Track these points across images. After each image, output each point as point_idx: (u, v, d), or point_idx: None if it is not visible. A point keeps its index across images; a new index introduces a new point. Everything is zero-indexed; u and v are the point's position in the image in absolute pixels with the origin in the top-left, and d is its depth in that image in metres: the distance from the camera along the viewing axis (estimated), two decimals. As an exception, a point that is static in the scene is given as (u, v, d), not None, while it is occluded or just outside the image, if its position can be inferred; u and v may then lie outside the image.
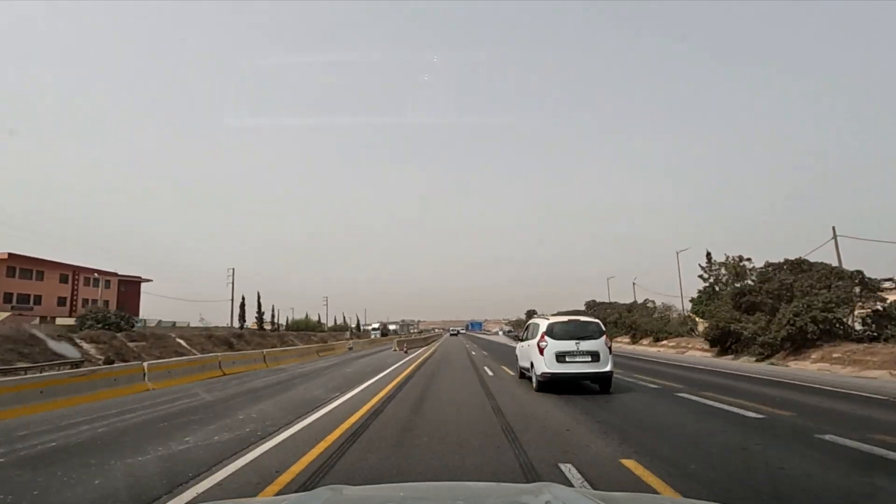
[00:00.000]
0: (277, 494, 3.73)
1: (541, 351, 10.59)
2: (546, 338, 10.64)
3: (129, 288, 44.34)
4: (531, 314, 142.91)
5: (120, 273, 41.88)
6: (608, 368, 10.38)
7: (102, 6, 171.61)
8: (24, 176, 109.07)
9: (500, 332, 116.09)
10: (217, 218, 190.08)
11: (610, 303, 49.70)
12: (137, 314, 43.97)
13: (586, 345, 10.43)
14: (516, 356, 14.06)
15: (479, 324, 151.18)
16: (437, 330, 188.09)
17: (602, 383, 10.64)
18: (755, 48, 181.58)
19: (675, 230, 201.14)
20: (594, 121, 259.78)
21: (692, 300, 36.61)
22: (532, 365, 11.10)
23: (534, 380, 10.94)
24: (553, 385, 10.51)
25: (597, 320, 11.19)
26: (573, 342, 10.46)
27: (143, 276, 44.64)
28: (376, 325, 70.40)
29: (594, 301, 52.14)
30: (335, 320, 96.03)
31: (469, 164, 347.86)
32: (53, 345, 17.65)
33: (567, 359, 10.37)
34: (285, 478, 4.25)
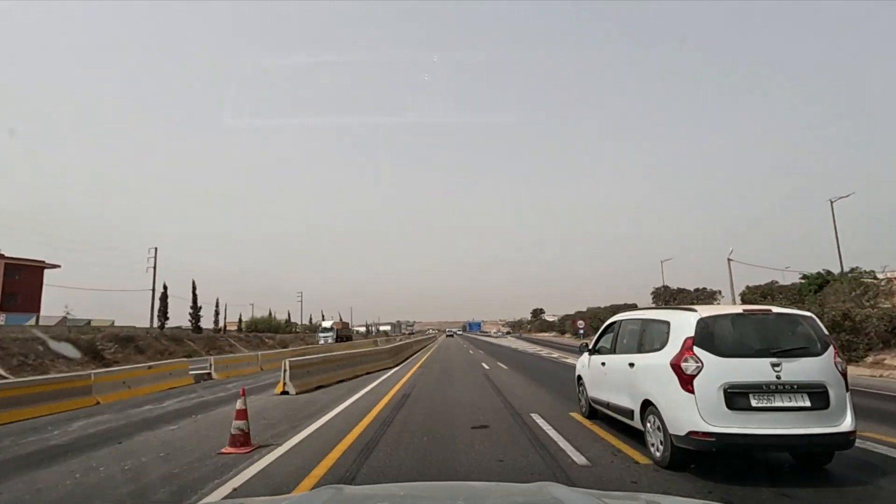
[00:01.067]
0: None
1: (685, 381, 4.60)
2: (696, 351, 4.66)
3: (25, 275, 36.07)
4: (538, 313, 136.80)
5: (7, 255, 33.69)
6: (847, 426, 4.48)
7: (104, 6, 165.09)
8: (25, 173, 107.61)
9: (507, 335, 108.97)
10: (214, 218, 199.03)
11: (699, 289, 36.29)
12: (38, 308, 35.72)
13: (796, 368, 4.51)
14: (577, 378, 8.02)
15: (478, 324, 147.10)
16: (431, 331, 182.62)
17: (822, 454, 4.79)
18: (754, 51, 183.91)
19: (674, 230, 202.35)
20: (594, 121, 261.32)
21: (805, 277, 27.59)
22: (652, 406, 5.07)
23: (657, 443, 4.97)
24: (713, 459, 4.66)
25: (810, 314, 5.22)
26: (765, 361, 4.53)
27: (47, 261, 36.36)
28: (328, 325, 48.52)
29: (665, 287, 37.54)
30: (310, 319, 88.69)
31: (468, 165, 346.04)
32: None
33: (755, 401, 4.41)
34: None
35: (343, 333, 51.18)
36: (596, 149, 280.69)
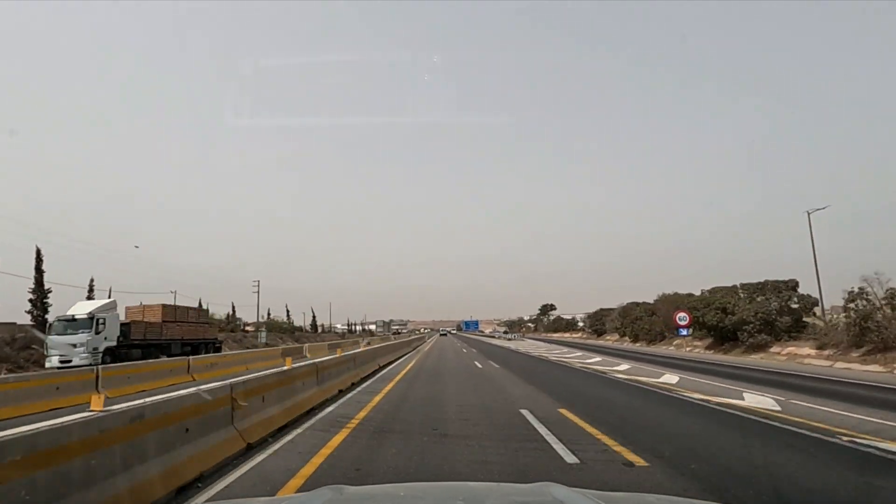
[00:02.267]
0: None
1: None
2: None
3: None
4: (548, 309, 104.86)
5: None
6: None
7: (106, 6, 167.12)
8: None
9: (506, 334, 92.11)
10: (213, 218, 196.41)
11: None
12: None
13: None
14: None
15: (476, 323, 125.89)
16: (423, 330, 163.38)
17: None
18: (754, 53, 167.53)
19: (671, 229, 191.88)
20: (595, 120, 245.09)
21: None
22: None
23: None
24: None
25: None
26: None
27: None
28: (82, 313, 17.19)
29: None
30: (269, 313, 69.48)
31: (466, 164, 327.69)
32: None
33: None
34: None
35: (159, 337, 20.87)
36: (597, 147, 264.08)
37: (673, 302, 38.88)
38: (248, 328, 60.72)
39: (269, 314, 69.26)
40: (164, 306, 21.64)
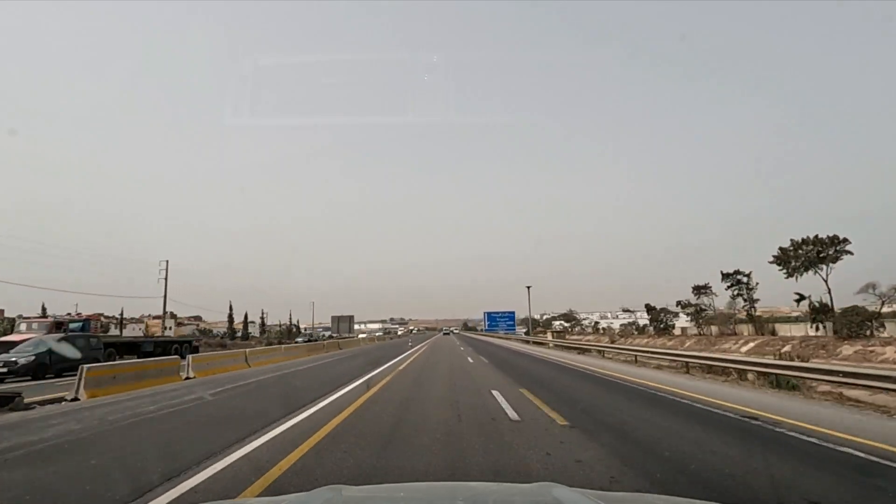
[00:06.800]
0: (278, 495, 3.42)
1: None
2: None
3: None
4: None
5: None
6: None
7: (105, 6, 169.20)
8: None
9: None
10: (212, 217, 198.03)
11: None
12: None
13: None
14: None
15: (509, 316, 72.92)
16: (414, 330, 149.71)
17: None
18: (755, 55, 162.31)
19: (672, 229, 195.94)
20: (593, 121, 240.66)
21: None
22: None
23: None
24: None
25: None
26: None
27: None
28: None
29: None
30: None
31: (468, 164, 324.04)
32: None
33: None
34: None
35: None
36: (599, 146, 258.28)
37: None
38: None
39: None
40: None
